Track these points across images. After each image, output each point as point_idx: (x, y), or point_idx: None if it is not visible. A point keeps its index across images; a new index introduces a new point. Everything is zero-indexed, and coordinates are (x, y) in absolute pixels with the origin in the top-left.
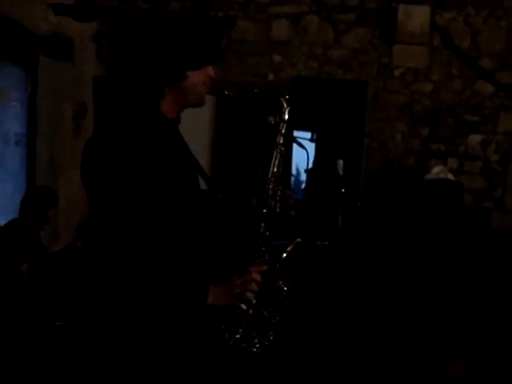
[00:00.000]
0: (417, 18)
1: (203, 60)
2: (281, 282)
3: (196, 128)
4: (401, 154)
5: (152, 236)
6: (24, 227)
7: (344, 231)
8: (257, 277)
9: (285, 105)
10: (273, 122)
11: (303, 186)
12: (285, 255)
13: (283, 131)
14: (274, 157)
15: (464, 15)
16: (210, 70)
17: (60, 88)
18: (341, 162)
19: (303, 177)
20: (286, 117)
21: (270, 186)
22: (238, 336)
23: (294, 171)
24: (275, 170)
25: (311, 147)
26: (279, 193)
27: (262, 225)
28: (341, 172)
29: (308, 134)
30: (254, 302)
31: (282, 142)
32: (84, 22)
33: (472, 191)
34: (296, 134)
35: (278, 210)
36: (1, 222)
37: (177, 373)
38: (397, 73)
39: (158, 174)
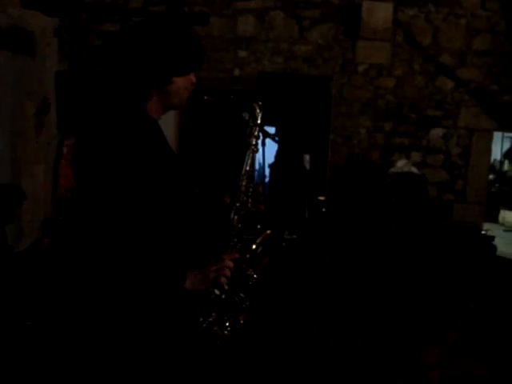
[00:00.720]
0: (380, 14)
1: (188, 67)
2: (251, 270)
3: (161, 124)
4: (365, 148)
5: (133, 225)
6: None
7: (311, 225)
8: (229, 263)
9: (258, 110)
10: (247, 118)
11: (266, 180)
12: (254, 246)
13: (256, 134)
14: (247, 156)
15: (425, 12)
16: (193, 77)
17: (22, 83)
18: (307, 156)
19: (266, 171)
20: (259, 121)
21: (243, 183)
22: (210, 319)
23: (256, 166)
24: (248, 168)
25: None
26: (251, 189)
27: (235, 217)
28: (307, 166)
29: (273, 129)
30: (226, 287)
31: (254, 143)
32: (55, 17)
33: (435, 184)
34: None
35: (249, 205)
36: None
37: (154, 356)
38: (361, 68)
39: (142, 168)
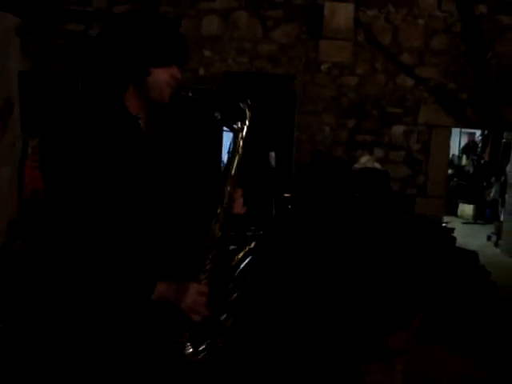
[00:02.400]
0: (341, 14)
1: (168, 59)
2: (232, 287)
3: None
4: (329, 145)
5: (101, 227)
6: None
7: (277, 221)
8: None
9: (246, 110)
10: (219, 118)
11: None
12: (235, 262)
13: (244, 136)
14: (234, 161)
15: (385, 13)
16: (175, 71)
17: None
18: (273, 154)
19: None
20: (247, 122)
21: (227, 188)
22: (183, 339)
23: (222, 164)
24: (233, 173)
25: None
26: (234, 194)
27: (216, 225)
28: (273, 164)
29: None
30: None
31: (241, 146)
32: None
33: (397, 179)
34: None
35: (233, 210)
36: None
37: (116, 372)
38: (323, 67)
39: (116, 166)
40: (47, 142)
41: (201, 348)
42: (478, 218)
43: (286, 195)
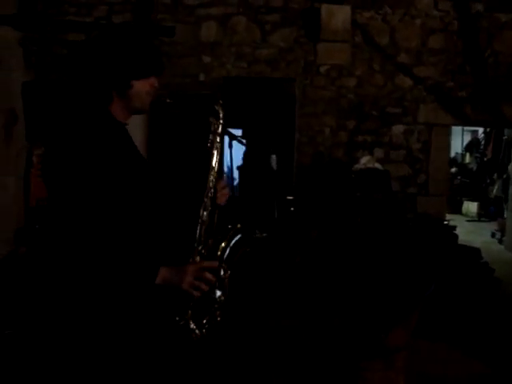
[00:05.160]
0: (339, 17)
1: (146, 71)
2: (224, 265)
3: (129, 126)
4: (330, 146)
5: (103, 226)
6: None
7: (280, 224)
8: (209, 276)
9: (220, 111)
10: (219, 110)
11: (235, 182)
12: (224, 244)
13: (219, 131)
14: (214, 154)
15: (382, 14)
16: (154, 81)
17: None
18: (274, 157)
19: (235, 174)
20: (221, 121)
21: (211, 179)
22: (186, 317)
23: (225, 169)
24: (214, 164)
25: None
26: (217, 185)
27: (204, 213)
28: (274, 167)
29: (240, 132)
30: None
31: (219, 141)
32: (25, 33)
33: (398, 178)
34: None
35: (217, 200)
36: None
37: (130, 355)
38: (322, 69)
39: (111, 169)
40: (49, 152)
41: (203, 322)
42: (483, 215)
43: (288, 198)
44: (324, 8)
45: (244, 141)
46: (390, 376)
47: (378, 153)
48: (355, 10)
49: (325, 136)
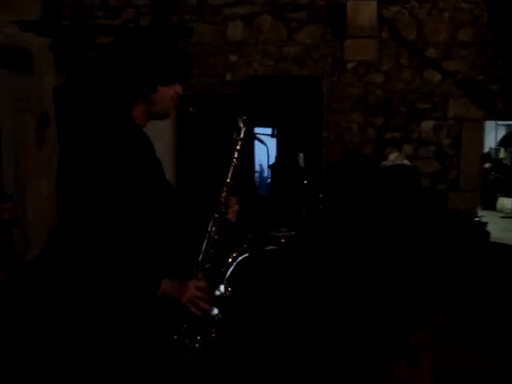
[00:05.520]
0: (365, 12)
1: (173, 78)
2: (226, 283)
3: (158, 129)
4: (358, 143)
5: (113, 231)
6: None
7: (308, 221)
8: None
9: (241, 125)
10: (241, 125)
11: (268, 181)
12: (230, 260)
13: (238, 148)
14: (230, 169)
15: (409, 8)
16: (179, 88)
17: (21, 100)
18: (301, 154)
19: (267, 173)
20: (242, 136)
21: (223, 195)
22: (182, 331)
23: (257, 168)
24: (229, 180)
25: (272, 143)
26: (229, 201)
27: (213, 229)
28: (302, 164)
29: (269, 130)
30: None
31: (236, 156)
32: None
33: (427, 175)
34: (257, 130)
35: (228, 216)
36: None
37: (127, 361)
38: (349, 66)
39: (127, 174)
40: (63, 153)
41: (197, 338)
42: None
43: (319, 196)
44: (350, 4)
45: (264, 140)
46: (415, 375)
47: (407, 149)
48: (381, 5)
49: (353, 133)
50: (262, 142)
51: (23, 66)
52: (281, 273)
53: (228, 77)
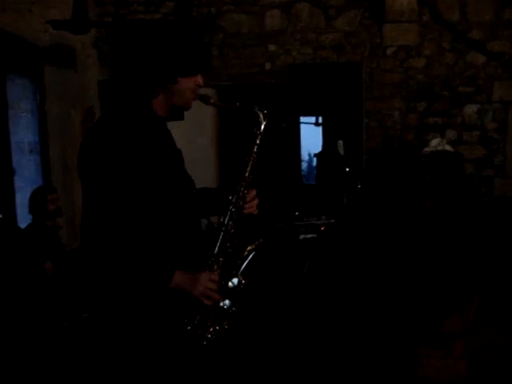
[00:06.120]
0: None
1: (193, 69)
2: (240, 277)
3: (200, 122)
4: (400, 130)
5: (130, 222)
6: (42, 228)
7: (349, 209)
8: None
9: (261, 117)
10: (261, 119)
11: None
12: (246, 253)
13: (258, 142)
14: (248, 164)
15: None
16: (200, 79)
17: (67, 95)
18: (340, 142)
19: (315, 162)
20: (262, 129)
21: (241, 189)
22: (195, 322)
23: (306, 157)
24: (247, 175)
25: (318, 131)
26: (247, 196)
27: (230, 222)
28: (342, 152)
29: (312, 119)
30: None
31: (256, 151)
32: (81, 35)
33: (472, 160)
34: (302, 119)
35: (244, 210)
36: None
37: (145, 353)
38: (389, 51)
39: (144, 166)
40: (84, 143)
41: (210, 329)
42: None
43: (357, 184)
44: None
45: (289, 129)
46: (448, 363)
47: (451, 134)
48: None
49: (394, 119)
50: (287, 130)
51: (68, 62)
52: (320, 260)
53: (267, 66)
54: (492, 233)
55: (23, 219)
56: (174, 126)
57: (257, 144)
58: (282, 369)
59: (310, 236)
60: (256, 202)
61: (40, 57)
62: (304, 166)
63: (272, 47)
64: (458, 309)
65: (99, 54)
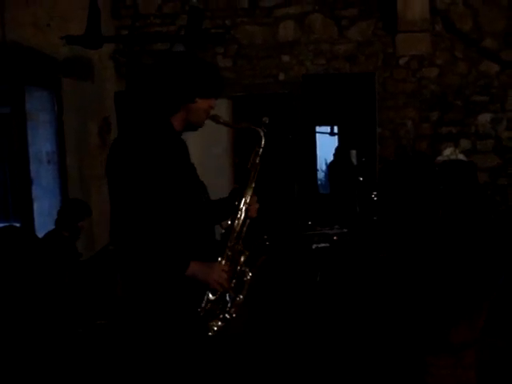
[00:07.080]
0: (416, 5)
1: (210, 92)
2: (247, 269)
3: (215, 132)
4: (413, 139)
5: (152, 218)
6: (60, 237)
7: (362, 218)
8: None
9: (262, 134)
10: (267, 122)
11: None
12: (248, 252)
13: (259, 155)
14: (251, 175)
15: None
16: (213, 102)
17: (84, 106)
18: (353, 152)
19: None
20: (262, 146)
21: (247, 198)
22: (206, 309)
23: (323, 167)
24: (253, 185)
25: (333, 141)
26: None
27: (237, 222)
28: (354, 162)
29: (327, 129)
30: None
31: (258, 162)
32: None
33: (486, 169)
34: (318, 129)
35: (248, 213)
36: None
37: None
38: (402, 61)
39: (163, 172)
40: (111, 151)
41: (220, 316)
42: None
43: (372, 194)
44: None
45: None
46: (458, 373)
47: (464, 144)
48: None
49: (407, 129)
50: (291, 140)
51: (86, 74)
52: (332, 270)
53: (281, 77)
54: (503, 242)
55: (41, 228)
56: (190, 137)
57: (259, 156)
58: (294, 374)
59: (322, 245)
60: (256, 206)
61: (58, 69)
62: (321, 175)
63: (286, 58)
64: (467, 318)
65: (116, 66)
